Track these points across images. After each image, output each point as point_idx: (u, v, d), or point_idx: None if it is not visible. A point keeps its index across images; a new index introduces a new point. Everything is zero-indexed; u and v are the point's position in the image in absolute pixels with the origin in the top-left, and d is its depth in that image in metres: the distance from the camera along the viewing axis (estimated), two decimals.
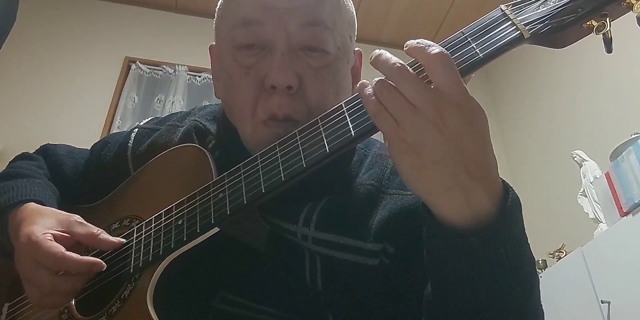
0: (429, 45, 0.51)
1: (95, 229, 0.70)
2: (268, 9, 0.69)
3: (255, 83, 0.69)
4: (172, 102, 3.18)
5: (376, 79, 0.54)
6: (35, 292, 0.67)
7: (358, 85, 0.56)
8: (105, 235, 0.70)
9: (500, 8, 0.57)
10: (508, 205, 0.52)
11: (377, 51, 0.54)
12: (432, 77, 0.51)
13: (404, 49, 0.53)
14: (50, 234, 0.68)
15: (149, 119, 0.95)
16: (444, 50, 0.51)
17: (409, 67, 0.52)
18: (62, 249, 0.66)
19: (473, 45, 0.55)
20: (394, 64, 0.52)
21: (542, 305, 0.60)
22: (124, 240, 0.71)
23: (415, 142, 0.50)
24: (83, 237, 0.70)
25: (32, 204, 0.76)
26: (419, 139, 0.50)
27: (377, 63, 0.53)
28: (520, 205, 0.54)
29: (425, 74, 0.52)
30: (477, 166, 0.51)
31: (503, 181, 0.54)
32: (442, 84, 0.50)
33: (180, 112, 0.92)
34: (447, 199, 0.51)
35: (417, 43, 0.52)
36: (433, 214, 0.54)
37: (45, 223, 0.70)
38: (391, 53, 0.53)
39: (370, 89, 0.53)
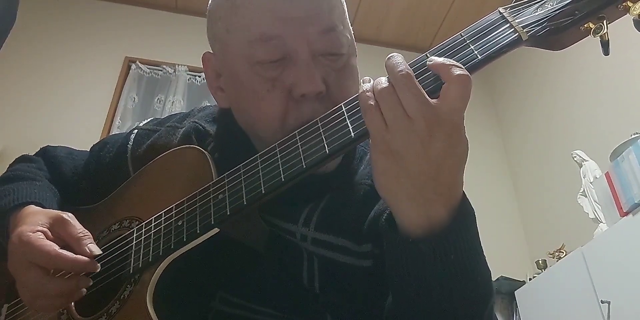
0: (455, 65, 0.52)
1: (77, 232, 0.68)
2: (286, 21, 0.67)
3: (283, 94, 0.68)
4: (172, 102, 3.18)
5: (382, 78, 0.54)
6: (27, 294, 0.66)
7: (362, 80, 0.56)
8: (86, 241, 0.68)
9: (499, 11, 0.58)
10: (459, 216, 0.54)
11: (393, 54, 0.55)
12: (445, 94, 0.51)
13: (429, 63, 0.54)
14: (40, 233, 0.67)
15: (148, 120, 0.95)
16: (468, 73, 0.52)
17: (414, 78, 0.52)
18: (55, 246, 0.65)
19: (472, 47, 0.56)
20: (401, 71, 0.52)
21: None
22: (100, 251, 0.68)
23: (398, 149, 0.51)
24: (67, 237, 0.68)
25: (32, 207, 0.76)
26: (402, 148, 0.51)
27: (387, 65, 0.54)
28: (473, 216, 0.56)
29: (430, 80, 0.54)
30: (446, 186, 0.53)
31: (462, 193, 0.56)
32: (449, 103, 0.51)
33: (180, 113, 0.92)
34: (409, 207, 0.54)
35: (445, 60, 0.53)
36: (393, 220, 0.56)
37: (35, 221, 0.70)
38: (391, 54, 0.54)
39: (369, 85, 0.54)
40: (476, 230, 0.57)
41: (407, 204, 0.54)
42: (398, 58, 0.54)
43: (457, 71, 0.51)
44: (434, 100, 0.51)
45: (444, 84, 0.53)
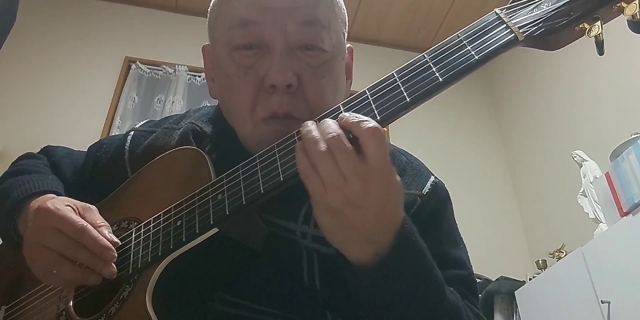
0: (364, 120, 0.55)
1: (100, 220, 0.70)
2: (266, 10, 0.69)
3: (254, 82, 0.70)
4: (172, 102, 3.17)
5: (314, 136, 0.56)
6: (50, 258, 0.66)
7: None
8: (107, 230, 0.69)
9: (495, 11, 0.59)
10: (398, 245, 0.58)
11: (325, 119, 0.58)
12: (364, 150, 0.54)
13: (340, 121, 0.56)
14: (71, 209, 0.69)
15: (144, 121, 0.95)
16: (377, 125, 0.54)
17: (344, 139, 0.54)
18: (84, 221, 0.66)
19: (469, 47, 0.57)
20: (331, 133, 0.55)
21: None
22: (119, 241, 0.69)
23: (339, 208, 0.54)
24: (90, 223, 0.68)
25: (52, 194, 0.77)
26: (343, 206, 0.54)
27: (320, 128, 0.56)
28: (413, 238, 0.59)
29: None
30: (388, 224, 0.57)
31: (404, 217, 0.59)
32: (372, 155, 0.53)
33: (175, 114, 0.93)
34: (356, 250, 0.58)
35: (354, 117, 0.55)
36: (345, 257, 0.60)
37: (64, 200, 0.71)
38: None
39: (305, 147, 0.56)
40: (418, 247, 0.60)
41: (354, 248, 0.58)
42: (328, 121, 0.57)
43: (365, 125, 0.54)
44: (359, 157, 0.54)
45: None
